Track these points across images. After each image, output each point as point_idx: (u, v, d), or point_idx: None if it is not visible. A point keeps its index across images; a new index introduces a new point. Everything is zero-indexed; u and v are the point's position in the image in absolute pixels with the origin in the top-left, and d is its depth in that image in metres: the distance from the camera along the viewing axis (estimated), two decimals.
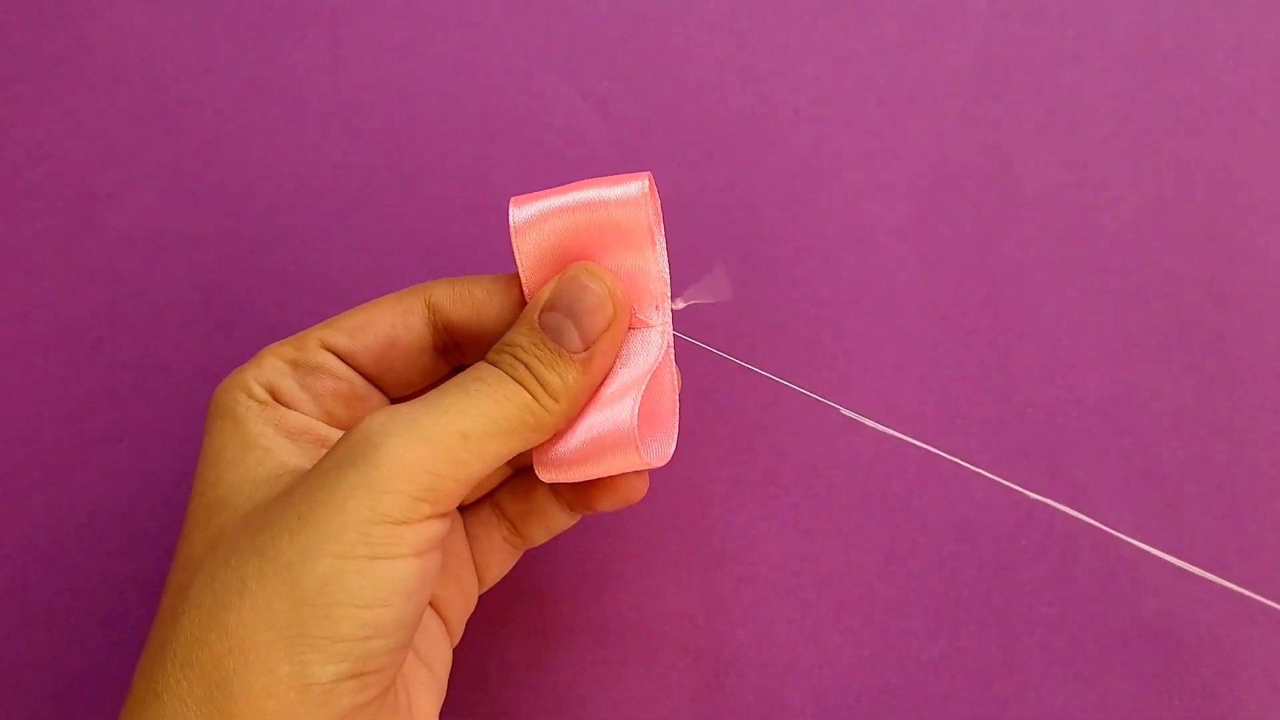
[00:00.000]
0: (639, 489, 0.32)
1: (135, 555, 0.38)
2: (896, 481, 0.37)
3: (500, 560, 0.33)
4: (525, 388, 0.26)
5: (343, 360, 0.30)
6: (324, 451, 0.27)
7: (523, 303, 0.30)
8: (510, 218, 0.28)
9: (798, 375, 0.38)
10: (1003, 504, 0.37)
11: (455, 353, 0.31)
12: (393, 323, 0.30)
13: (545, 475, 0.28)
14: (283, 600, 0.23)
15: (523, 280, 0.29)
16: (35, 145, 0.40)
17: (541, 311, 0.28)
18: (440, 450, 0.25)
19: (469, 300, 0.30)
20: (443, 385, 0.26)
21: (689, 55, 0.40)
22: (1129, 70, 0.39)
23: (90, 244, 0.40)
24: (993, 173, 0.39)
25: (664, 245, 0.30)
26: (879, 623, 0.36)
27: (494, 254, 0.39)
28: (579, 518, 0.33)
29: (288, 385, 0.29)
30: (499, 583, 0.34)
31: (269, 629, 0.23)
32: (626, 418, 0.27)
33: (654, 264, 0.29)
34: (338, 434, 0.29)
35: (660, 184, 0.40)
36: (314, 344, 0.30)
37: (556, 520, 0.33)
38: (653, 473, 0.39)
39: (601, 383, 0.29)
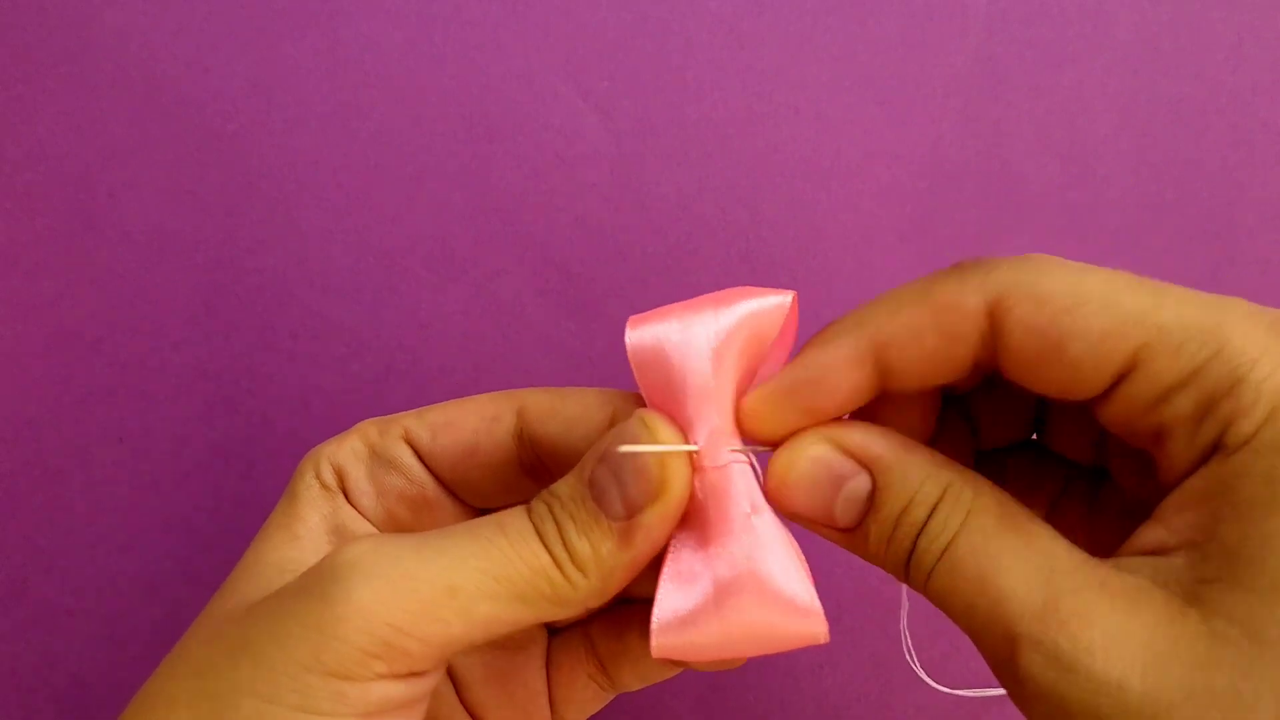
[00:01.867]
0: (668, 673, 0.28)
1: (135, 555, 0.38)
2: None
3: (582, 700, 0.28)
4: (549, 550, 0.22)
5: (421, 458, 0.27)
6: None
7: (613, 421, 0.25)
8: (626, 340, 0.24)
9: None
10: None
11: (544, 473, 0.27)
12: (477, 427, 0.26)
13: (661, 649, 0.23)
14: None
15: (646, 404, 0.25)
16: (35, 145, 0.40)
17: (597, 464, 0.23)
18: (414, 602, 0.21)
19: (558, 415, 0.26)
20: (458, 524, 0.23)
21: (689, 55, 0.40)
22: (1129, 70, 0.39)
23: (90, 244, 0.40)
24: (993, 173, 0.39)
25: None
26: (879, 622, 0.36)
27: (494, 255, 0.39)
28: (679, 670, 0.28)
29: (357, 475, 0.26)
30: None
31: None
32: (800, 587, 0.22)
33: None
34: None
35: (660, 184, 0.40)
36: (397, 434, 0.26)
37: (653, 670, 0.28)
38: None
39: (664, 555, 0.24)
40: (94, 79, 0.40)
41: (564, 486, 0.23)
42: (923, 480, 0.22)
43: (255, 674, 0.20)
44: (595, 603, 0.23)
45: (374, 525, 0.26)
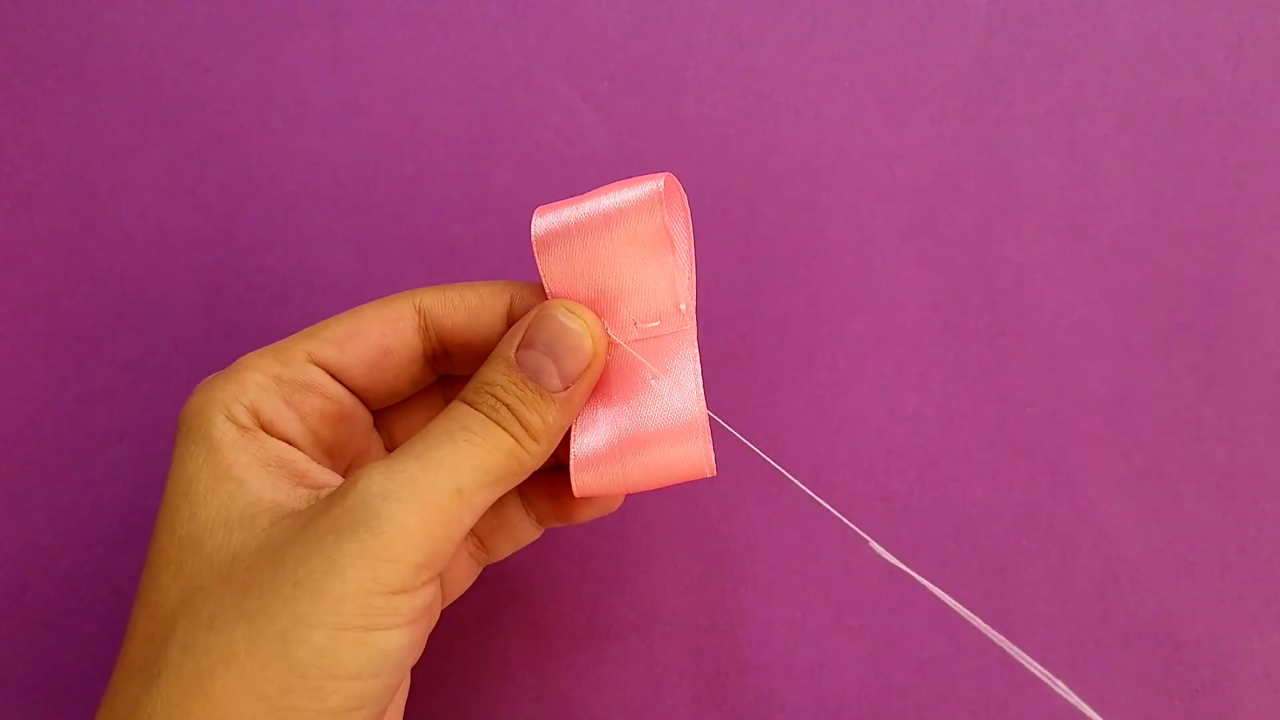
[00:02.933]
0: (616, 502, 0.32)
1: (135, 555, 0.38)
2: (896, 481, 0.37)
3: (464, 575, 0.32)
4: (509, 431, 0.26)
5: (332, 375, 0.29)
6: (300, 487, 0.26)
7: (511, 306, 0.29)
8: (532, 229, 0.28)
9: (798, 375, 0.38)
10: (1002, 504, 0.37)
11: (444, 361, 0.30)
12: (383, 331, 0.29)
13: (582, 487, 0.28)
14: (274, 671, 0.22)
15: (548, 293, 0.29)
16: (35, 145, 0.40)
17: (519, 349, 0.27)
18: (439, 512, 0.24)
19: (462, 306, 0.29)
20: (430, 432, 0.26)
21: (689, 55, 0.40)
22: (1129, 70, 0.39)
23: (90, 244, 0.40)
24: (993, 173, 0.39)
25: (689, 244, 0.29)
26: (879, 623, 0.36)
27: (494, 254, 0.39)
28: (543, 530, 0.33)
29: (272, 406, 0.27)
30: (500, 584, 0.34)
31: (258, 700, 0.22)
32: (695, 409, 0.28)
33: (674, 268, 0.28)
34: (317, 469, 0.27)
35: None
36: (301, 357, 0.28)
37: (525, 534, 0.32)
38: None
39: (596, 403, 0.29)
40: (94, 79, 0.40)
41: (497, 375, 0.27)
42: None
43: (318, 606, 0.22)
44: (540, 463, 0.27)
45: (302, 449, 0.28)
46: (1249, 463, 0.37)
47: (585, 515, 0.32)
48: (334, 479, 0.27)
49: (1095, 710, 0.36)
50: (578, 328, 0.27)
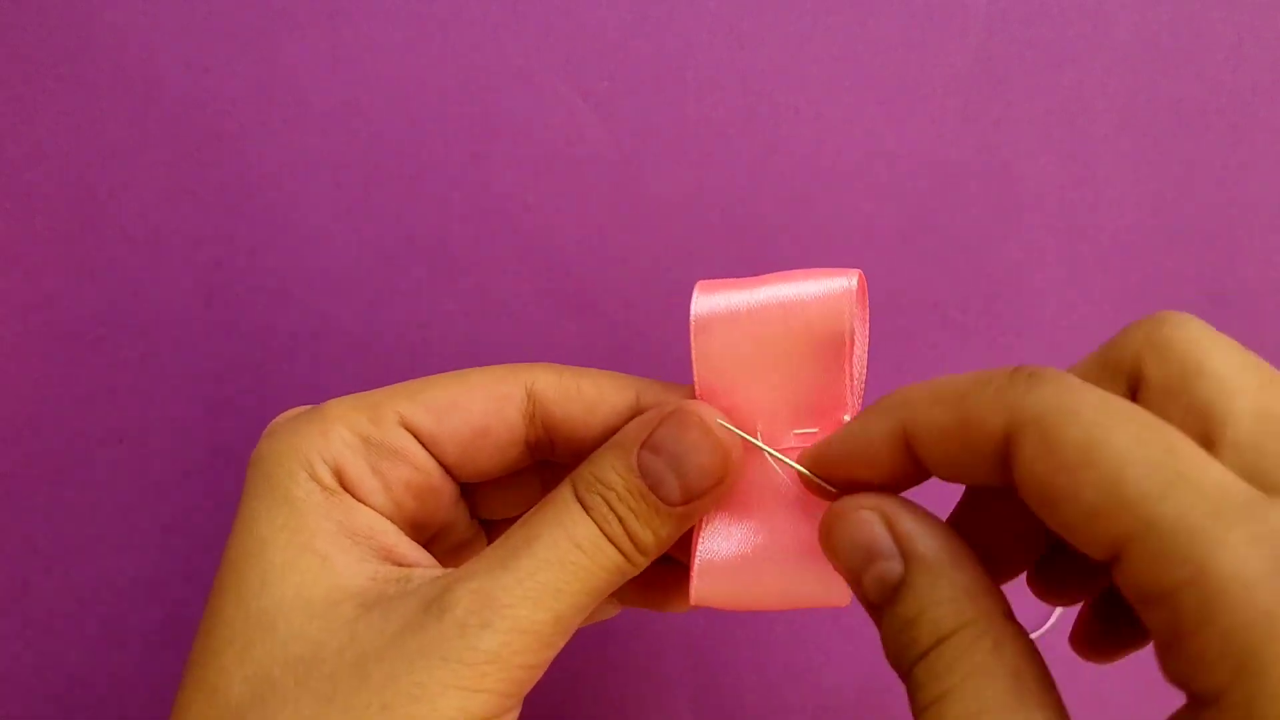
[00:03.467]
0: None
1: (135, 555, 0.38)
2: None
3: (597, 616, 0.30)
4: (618, 546, 0.24)
5: (423, 444, 0.26)
6: (387, 564, 0.24)
7: (636, 406, 0.26)
8: (693, 308, 0.25)
9: None
10: None
11: (546, 448, 0.27)
12: (486, 409, 0.26)
13: (700, 598, 0.25)
14: None
15: (696, 382, 0.25)
16: (35, 145, 0.40)
17: (643, 449, 0.24)
18: (535, 640, 0.22)
19: (579, 398, 0.26)
20: (536, 540, 0.23)
21: (689, 55, 0.40)
22: (1129, 70, 0.39)
23: (90, 244, 0.40)
24: (993, 173, 0.39)
25: (864, 348, 0.27)
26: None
27: (495, 254, 0.39)
28: (619, 609, 0.31)
29: (358, 469, 0.25)
30: None
31: None
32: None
33: (844, 378, 0.25)
34: (406, 544, 0.25)
35: (660, 184, 0.40)
36: (392, 420, 0.26)
37: (602, 613, 0.30)
38: None
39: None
40: (94, 79, 0.40)
41: (614, 476, 0.24)
42: (944, 602, 0.20)
43: None
44: (644, 566, 0.25)
45: (386, 519, 0.26)
46: None
47: (679, 609, 0.29)
48: (423, 556, 0.26)
49: (1095, 709, 0.36)
50: (712, 442, 0.24)
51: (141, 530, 0.38)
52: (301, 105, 0.40)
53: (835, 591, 0.24)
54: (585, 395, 0.26)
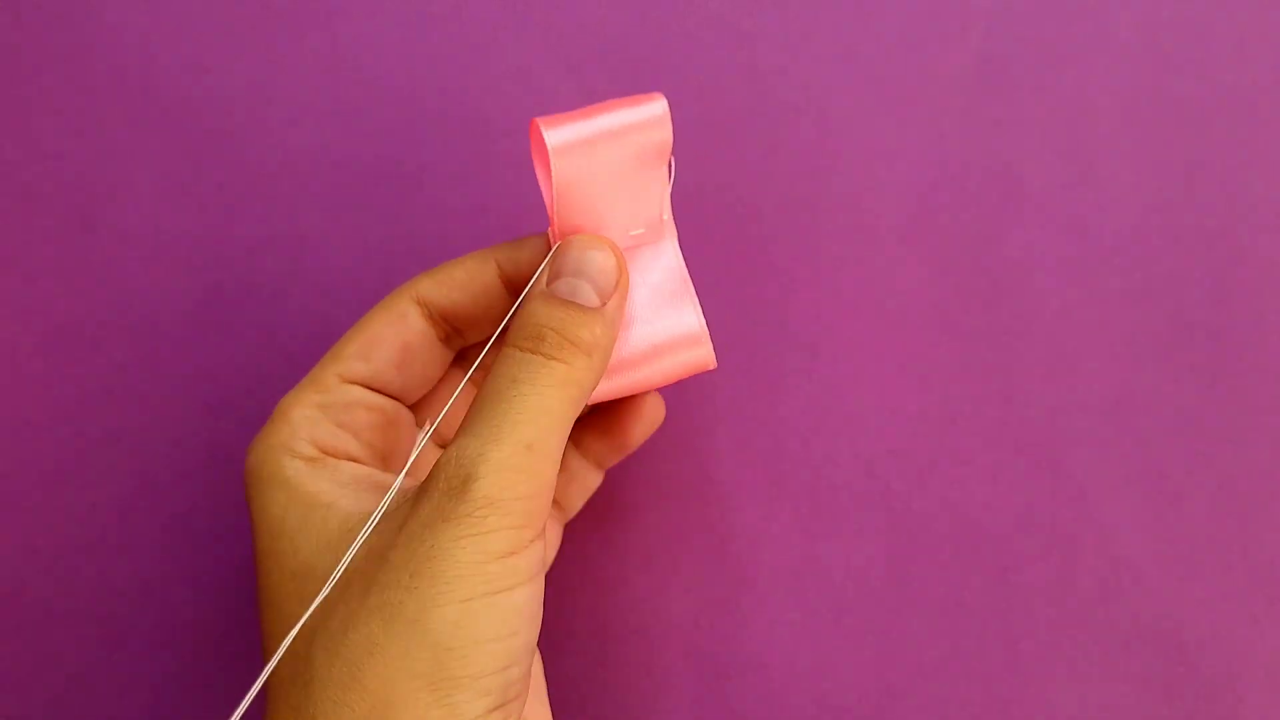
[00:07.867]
0: (661, 412, 0.34)
1: (135, 555, 0.38)
2: (897, 482, 0.37)
3: (554, 537, 0.34)
4: (558, 359, 0.26)
5: (367, 387, 0.30)
6: (383, 495, 0.27)
7: (499, 272, 0.30)
8: (548, 139, 0.28)
9: (798, 375, 0.38)
10: (1004, 505, 0.37)
11: (457, 337, 0.32)
12: (395, 330, 0.30)
13: (604, 386, 0.29)
14: (418, 649, 0.23)
15: (553, 207, 0.29)
16: (35, 145, 0.40)
17: (549, 282, 0.27)
18: (518, 474, 0.24)
19: (454, 284, 0.30)
20: (484, 397, 0.26)
21: (689, 54, 0.40)
22: (1130, 70, 0.39)
23: (90, 244, 0.40)
24: (993, 173, 0.39)
25: (672, 165, 0.31)
26: (880, 624, 0.36)
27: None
28: (602, 475, 0.35)
29: (327, 432, 0.29)
30: None
31: (411, 678, 0.23)
32: (694, 320, 0.29)
33: (664, 180, 0.30)
34: (391, 478, 0.28)
35: None
36: (334, 381, 0.29)
37: (589, 480, 0.34)
38: (652, 473, 0.39)
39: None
40: (94, 79, 0.40)
41: (534, 310, 0.27)
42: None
43: (440, 587, 0.23)
44: (598, 379, 0.27)
45: (366, 463, 0.29)
46: (1252, 463, 0.37)
47: (638, 437, 0.33)
48: (412, 481, 0.28)
49: (1096, 710, 0.36)
50: (604, 251, 0.28)
51: (141, 530, 0.38)
52: (301, 105, 0.40)
53: (700, 353, 0.30)
54: (458, 279, 0.30)
